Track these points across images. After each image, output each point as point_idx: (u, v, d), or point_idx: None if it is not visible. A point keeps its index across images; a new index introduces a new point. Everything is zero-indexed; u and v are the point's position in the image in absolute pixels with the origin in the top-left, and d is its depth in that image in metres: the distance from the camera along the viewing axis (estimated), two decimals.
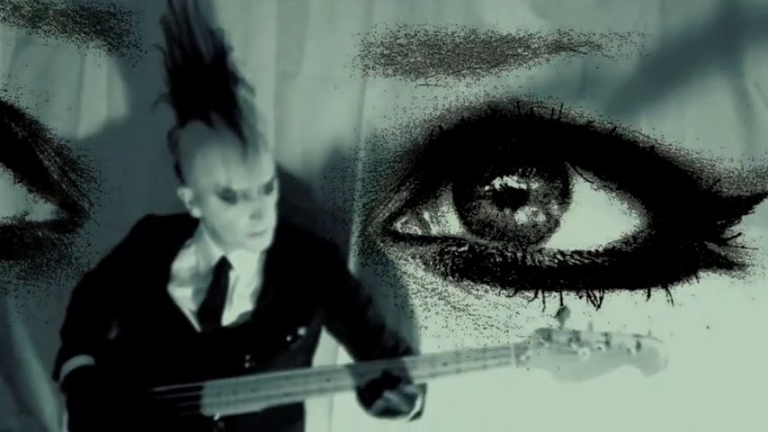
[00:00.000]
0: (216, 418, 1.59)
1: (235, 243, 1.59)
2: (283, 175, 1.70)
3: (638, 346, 1.55)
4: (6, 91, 1.85)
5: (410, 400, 1.57)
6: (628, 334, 1.56)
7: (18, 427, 1.96)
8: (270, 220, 1.57)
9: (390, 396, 1.53)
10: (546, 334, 1.56)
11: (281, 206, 1.60)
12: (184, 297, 1.62)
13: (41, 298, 1.90)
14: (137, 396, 1.59)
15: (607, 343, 1.54)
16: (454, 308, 1.84)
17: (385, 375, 1.54)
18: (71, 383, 1.62)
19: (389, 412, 1.57)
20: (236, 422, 1.60)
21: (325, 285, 1.66)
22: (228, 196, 1.52)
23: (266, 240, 1.58)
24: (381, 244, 1.84)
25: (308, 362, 1.70)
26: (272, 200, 1.56)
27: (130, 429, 1.59)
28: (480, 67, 1.77)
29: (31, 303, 1.91)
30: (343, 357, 1.74)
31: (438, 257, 1.83)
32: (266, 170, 1.54)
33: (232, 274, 1.62)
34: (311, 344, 1.70)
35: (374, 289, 1.83)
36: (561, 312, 1.56)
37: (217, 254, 1.62)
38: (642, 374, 1.57)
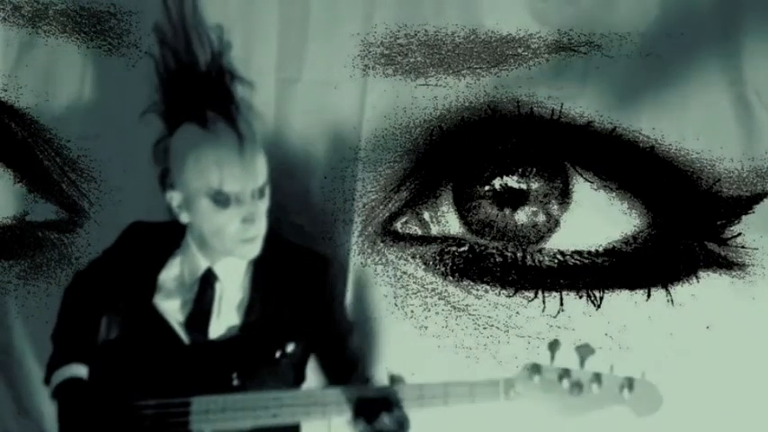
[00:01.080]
0: None
1: (223, 250, 1.56)
2: (284, 176, 1.70)
3: (631, 387, 1.52)
4: (6, 91, 1.86)
5: (401, 427, 1.55)
6: (619, 376, 1.53)
7: (17, 429, 1.96)
8: (261, 227, 1.54)
9: (385, 420, 1.51)
10: (536, 369, 1.53)
11: (281, 212, 1.60)
12: (171, 309, 1.60)
13: (41, 298, 1.90)
14: (126, 411, 1.58)
15: (598, 383, 1.52)
16: (454, 308, 1.84)
17: (381, 398, 1.52)
18: (62, 394, 1.60)
19: None
20: None
21: (313, 301, 1.64)
22: (220, 199, 1.49)
23: (256, 248, 1.55)
24: (381, 244, 1.84)
25: (299, 378, 1.68)
26: (264, 206, 1.53)
27: None
28: (480, 67, 1.77)
29: (31, 303, 1.91)
30: None
31: (438, 257, 1.83)
32: (260, 174, 1.52)
33: (218, 286, 1.59)
34: (302, 359, 1.68)
35: (374, 289, 1.83)
36: (552, 345, 1.53)
37: (202, 265, 1.59)
38: (634, 415, 1.54)
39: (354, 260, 1.84)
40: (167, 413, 1.56)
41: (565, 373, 1.51)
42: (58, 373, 1.61)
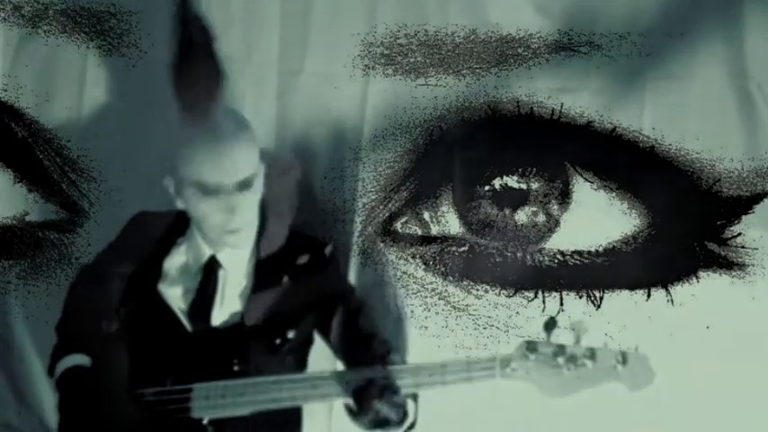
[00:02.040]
0: (205, 421, 1.58)
1: (214, 239, 1.59)
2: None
3: (624, 361, 1.53)
4: (6, 91, 1.86)
5: (399, 409, 1.55)
6: (613, 349, 1.54)
7: (18, 423, 1.96)
8: (245, 219, 1.56)
9: (380, 407, 1.52)
10: (531, 347, 1.54)
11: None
12: (175, 296, 1.62)
13: (41, 298, 1.90)
14: (127, 398, 1.58)
15: (592, 358, 1.52)
16: (454, 308, 1.84)
17: (372, 385, 1.52)
18: (64, 382, 1.61)
19: (380, 424, 1.55)
20: (226, 425, 1.59)
21: (317, 289, 1.65)
22: (201, 189, 1.52)
23: (241, 239, 1.58)
24: (381, 244, 1.84)
25: (301, 364, 1.69)
26: (249, 198, 1.55)
27: (120, 431, 1.58)
28: (480, 67, 1.77)
29: (31, 303, 1.91)
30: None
31: (438, 257, 1.83)
32: (244, 167, 1.53)
33: (221, 273, 1.61)
34: (304, 346, 1.69)
35: (374, 289, 1.83)
36: (549, 324, 1.54)
37: (206, 252, 1.62)
38: (627, 390, 1.55)
39: (354, 260, 1.84)
40: (169, 400, 1.57)
41: (560, 349, 1.52)
42: (61, 363, 1.62)
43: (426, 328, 1.85)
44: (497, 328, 1.83)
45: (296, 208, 1.70)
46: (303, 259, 1.65)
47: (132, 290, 1.64)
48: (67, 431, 1.60)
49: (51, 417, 1.93)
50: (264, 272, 1.63)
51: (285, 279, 1.63)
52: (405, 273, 1.84)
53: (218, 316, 1.61)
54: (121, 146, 1.86)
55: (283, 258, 1.64)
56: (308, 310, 1.64)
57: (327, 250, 1.69)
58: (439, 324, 1.85)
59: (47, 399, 1.94)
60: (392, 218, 1.84)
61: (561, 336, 1.55)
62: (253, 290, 1.62)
